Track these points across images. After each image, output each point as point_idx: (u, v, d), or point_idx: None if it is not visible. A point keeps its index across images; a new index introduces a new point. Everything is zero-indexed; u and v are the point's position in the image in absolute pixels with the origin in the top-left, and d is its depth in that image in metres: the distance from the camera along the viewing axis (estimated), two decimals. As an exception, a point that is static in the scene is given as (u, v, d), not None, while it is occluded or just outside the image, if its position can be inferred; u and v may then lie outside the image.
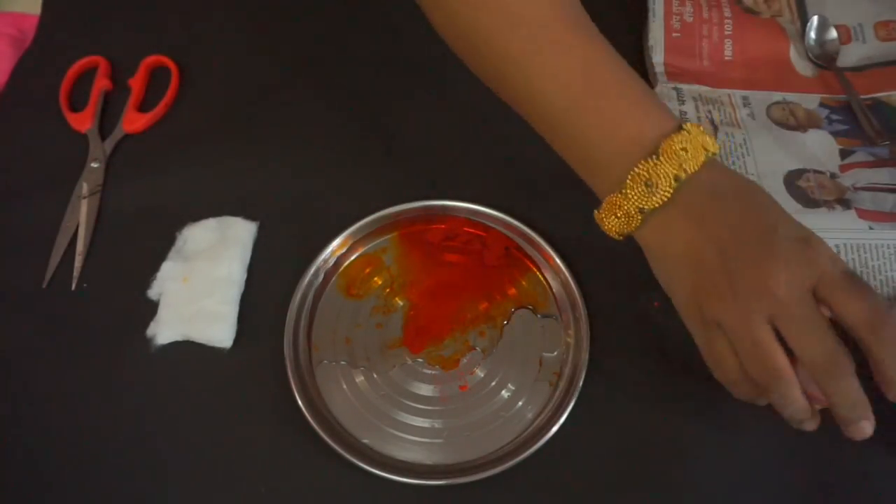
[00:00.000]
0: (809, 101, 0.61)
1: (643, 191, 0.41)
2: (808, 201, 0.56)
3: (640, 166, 0.41)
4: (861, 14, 0.65)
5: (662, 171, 0.41)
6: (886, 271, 0.54)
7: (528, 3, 0.44)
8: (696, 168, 0.41)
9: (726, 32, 0.64)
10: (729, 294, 0.40)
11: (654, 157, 0.41)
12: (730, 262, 0.40)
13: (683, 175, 0.41)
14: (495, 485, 0.49)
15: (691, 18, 0.65)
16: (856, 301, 0.39)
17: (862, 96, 0.61)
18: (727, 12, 0.65)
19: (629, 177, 0.42)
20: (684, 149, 0.41)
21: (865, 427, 0.40)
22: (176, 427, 0.52)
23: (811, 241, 0.40)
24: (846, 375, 0.39)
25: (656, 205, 0.41)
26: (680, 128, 0.42)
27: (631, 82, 0.44)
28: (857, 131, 0.59)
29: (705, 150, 0.41)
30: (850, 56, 0.63)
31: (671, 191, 0.41)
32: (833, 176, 0.57)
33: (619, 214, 0.43)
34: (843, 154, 0.58)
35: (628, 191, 0.42)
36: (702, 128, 0.42)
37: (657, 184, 0.41)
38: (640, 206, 0.42)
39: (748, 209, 0.41)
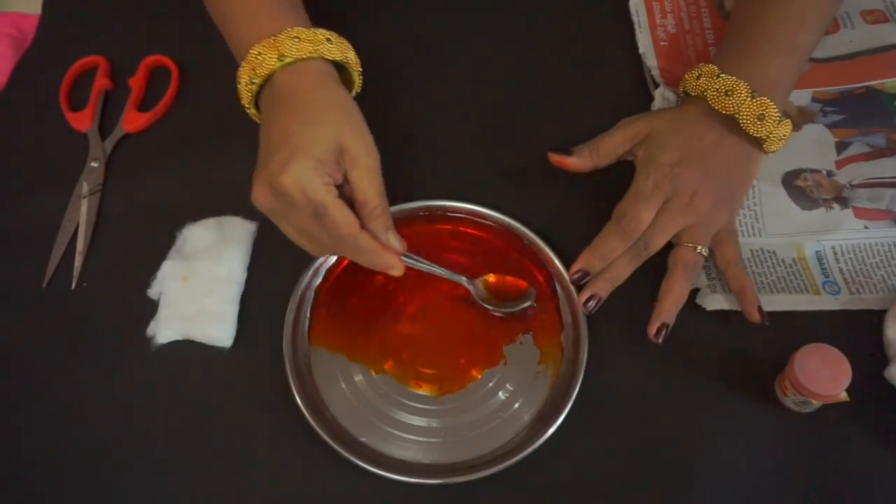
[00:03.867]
0: (801, 98, 0.61)
1: (248, 79, 0.51)
2: (808, 201, 0.57)
3: (242, 66, 0.52)
4: (846, 4, 0.65)
5: (244, 72, 0.51)
6: (882, 269, 0.54)
7: None
8: (267, 72, 0.50)
9: (709, 41, 0.65)
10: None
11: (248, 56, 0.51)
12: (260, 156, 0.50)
13: (257, 77, 0.50)
14: (493, 484, 0.49)
15: (675, 29, 0.65)
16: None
17: (854, 85, 0.61)
18: (707, 22, 0.66)
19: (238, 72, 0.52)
20: (259, 53, 0.50)
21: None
22: (176, 426, 0.52)
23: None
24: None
25: (245, 101, 0.53)
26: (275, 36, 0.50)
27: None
28: (852, 120, 0.60)
29: (280, 59, 0.50)
30: (840, 44, 0.63)
31: (251, 86, 0.51)
32: (830, 174, 0.58)
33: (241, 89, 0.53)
34: (840, 147, 0.59)
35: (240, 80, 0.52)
36: (304, 37, 0.50)
37: (247, 80, 0.51)
38: (248, 92, 0.52)
39: (276, 118, 0.50)
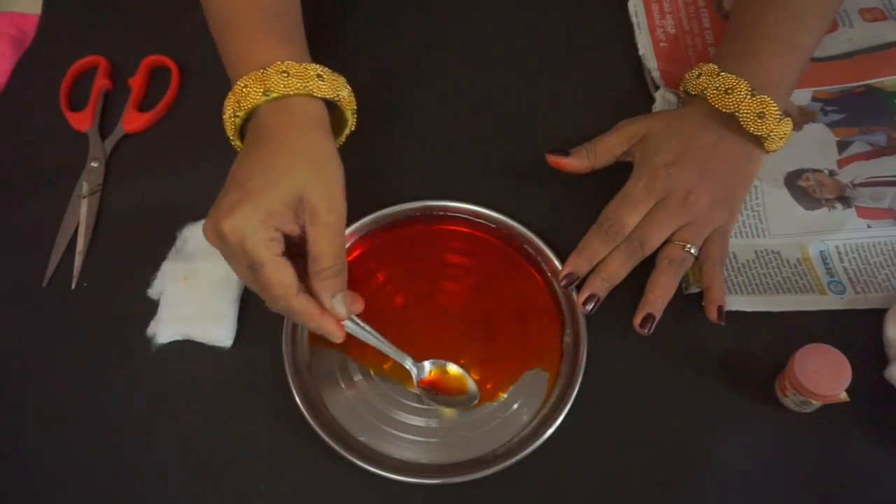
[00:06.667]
0: (801, 97, 0.61)
1: (232, 111, 0.51)
2: (811, 201, 0.56)
3: (228, 97, 0.51)
4: (844, 3, 0.65)
5: (230, 104, 0.51)
6: (886, 268, 0.54)
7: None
8: (251, 106, 0.49)
9: (708, 41, 0.65)
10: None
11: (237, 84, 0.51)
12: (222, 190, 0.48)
13: (241, 110, 0.50)
14: (492, 484, 0.49)
15: (674, 30, 0.65)
16: None
17: (854, 84, 0.61)
18: (706, 22, 0.66)
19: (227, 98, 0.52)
20: (245, 86, 0.49)
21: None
22: (176, 426, 0.52)
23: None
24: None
25: (229, 133, 0.52)
26: (264, 69, 0.49)
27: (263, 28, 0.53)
28: (853, 119, 0.59)
29: (266, 94, 0.49)
30: (839, 43, 0.63)
31: (235, 119, 0.50)
32: (832, 173, 0.57)
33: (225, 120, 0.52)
34: (841, 147, 0.58)
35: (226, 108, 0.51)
36: (293, 72, 0.49)
37: (231, 113, 0.51)
38: (231, 124, 0.51)
39: (248, 154, 0.49)
